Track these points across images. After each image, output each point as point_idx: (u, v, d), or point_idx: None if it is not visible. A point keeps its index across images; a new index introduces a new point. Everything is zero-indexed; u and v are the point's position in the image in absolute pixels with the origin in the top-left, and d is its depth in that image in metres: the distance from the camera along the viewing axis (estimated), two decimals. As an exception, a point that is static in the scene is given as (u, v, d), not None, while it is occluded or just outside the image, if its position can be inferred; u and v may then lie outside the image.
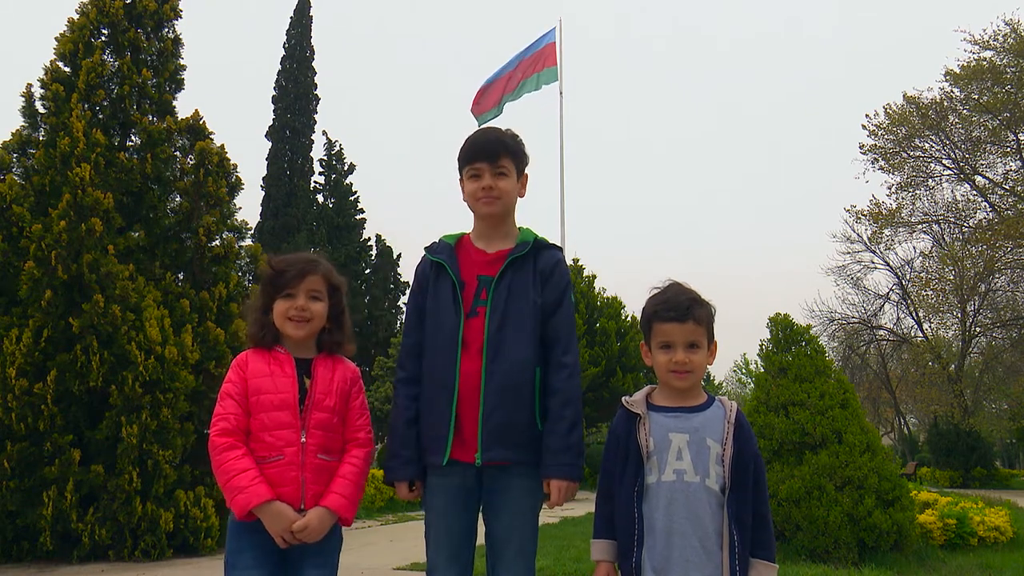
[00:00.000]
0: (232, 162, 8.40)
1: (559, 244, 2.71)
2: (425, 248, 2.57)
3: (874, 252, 27.35)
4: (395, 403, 2.46)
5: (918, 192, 26.83)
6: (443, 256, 2.48)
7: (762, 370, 7.57)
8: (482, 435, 2.29)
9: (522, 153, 2.54)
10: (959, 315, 25.76)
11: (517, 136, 2.57)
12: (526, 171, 2.58)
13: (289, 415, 2.31)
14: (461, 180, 2.56)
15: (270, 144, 33.94)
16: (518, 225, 2.57)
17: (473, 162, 2.48)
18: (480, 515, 2.42)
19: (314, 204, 33.81)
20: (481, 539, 2.42)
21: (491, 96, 19.99)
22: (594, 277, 23.74)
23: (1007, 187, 25.56)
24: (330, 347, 2.48)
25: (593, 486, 2.41)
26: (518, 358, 2.33)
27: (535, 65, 20.41)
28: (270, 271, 2.46)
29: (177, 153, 8.19)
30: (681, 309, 2.17)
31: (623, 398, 2.26)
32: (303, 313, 2.39)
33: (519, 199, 2.57)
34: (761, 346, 7.50)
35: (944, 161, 26.42)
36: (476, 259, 2.48)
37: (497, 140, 2.51)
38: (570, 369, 2.37)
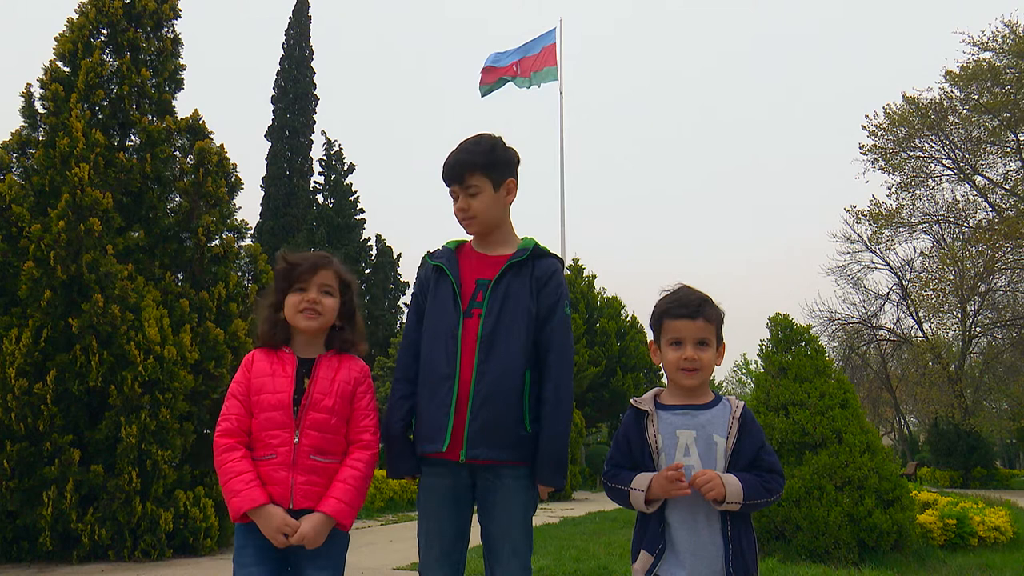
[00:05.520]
0: (232, 162, 8.39)
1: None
2: (427, 253, 2.62)
3: (874, 252, 27.42)
4: (391, 400, 2.47)
5: (918, 192, 26.89)
6: (443, 260, 2.52)
7: (762, 370, 7.57)
8: (467, 433, 2.31)
9: (496, 163, 2.48)
10: (959, 315, 25.77)
11: (494, 144, 2.50)
12: (512, 176, 2.52)
13: (283, 415, 2.31)
14: None
15: (270, 144, 33.96)
16: (523, 234, 2.60)
17: (447, 185, 2.53)
18: (476, 516, 2.43)
19: (314, 204, 33.79)
20: (477, 540, 2.42)
21: (494, 73, 21.14)
22: (594, 277, 23.67)
23: (1007, 187, 25.57)
24: (341, 345, 2.47)
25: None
26: (508, 361, 2.35)
27: (535, 65, 20.97)
28: (283, 265, 2.47)
29: (177, 153, 8.17)
30: (692, 306, 2.24)
31: (632, 399, 2.31)
32: (315, 306, 2.39)
33: (511, 204, 2.55)
34: (761, 346, 7.50)
35: (944, 161, 26.45)
36: (476, 263, 2.51)
37: (459, 162, 2.48)
38: (559, 381, 2.37)
